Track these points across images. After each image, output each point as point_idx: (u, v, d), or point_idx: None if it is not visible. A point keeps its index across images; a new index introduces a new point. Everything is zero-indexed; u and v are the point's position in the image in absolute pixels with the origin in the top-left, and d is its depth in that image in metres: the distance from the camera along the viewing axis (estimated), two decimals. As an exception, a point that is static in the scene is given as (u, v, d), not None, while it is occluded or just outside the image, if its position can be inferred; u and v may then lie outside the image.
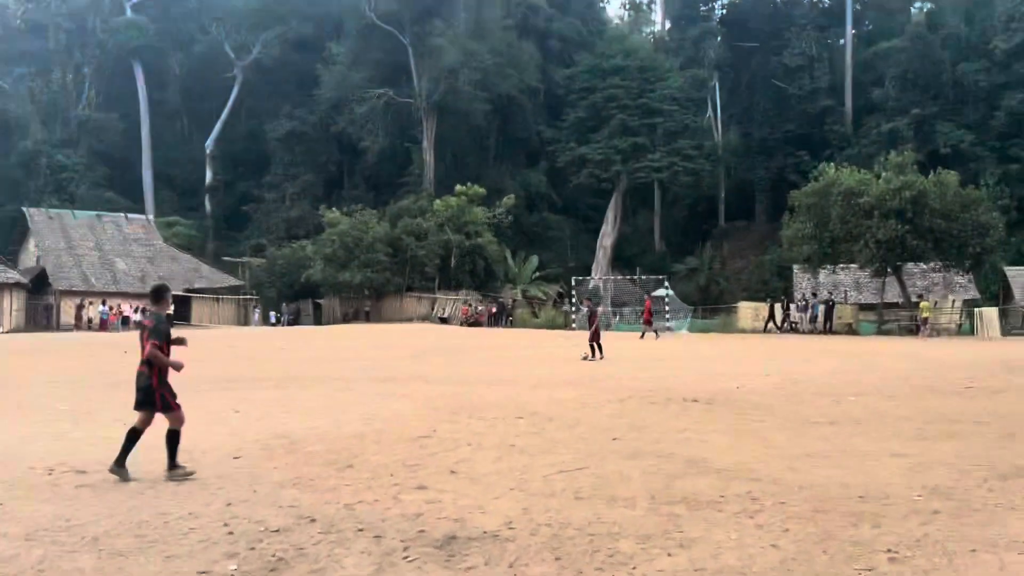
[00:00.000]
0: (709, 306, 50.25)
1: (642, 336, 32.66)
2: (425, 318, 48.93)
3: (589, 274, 55.60)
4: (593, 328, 22.29)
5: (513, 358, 23.09)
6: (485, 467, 7.98)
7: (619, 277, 55.60)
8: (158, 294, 7.95)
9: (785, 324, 39.65)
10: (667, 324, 40.88)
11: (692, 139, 59.60)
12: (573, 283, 45.15)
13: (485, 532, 5.76)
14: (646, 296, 40.87)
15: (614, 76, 58.51)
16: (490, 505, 6.49)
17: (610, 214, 60.05)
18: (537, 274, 56.45)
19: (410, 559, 5.20)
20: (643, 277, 51.45)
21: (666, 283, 44.54)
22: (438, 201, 52.36)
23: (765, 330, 39.00)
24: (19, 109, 65.17)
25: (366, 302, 51.55)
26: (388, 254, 49.92)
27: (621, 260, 61.77)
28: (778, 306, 40.45)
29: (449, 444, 9.26)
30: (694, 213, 68.60)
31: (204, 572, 5.01)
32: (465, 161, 64.38)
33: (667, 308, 41.89)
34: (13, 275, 43.76)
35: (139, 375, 7.46)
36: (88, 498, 6.78)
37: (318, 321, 53.48)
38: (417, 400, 13.17)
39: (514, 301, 51.79)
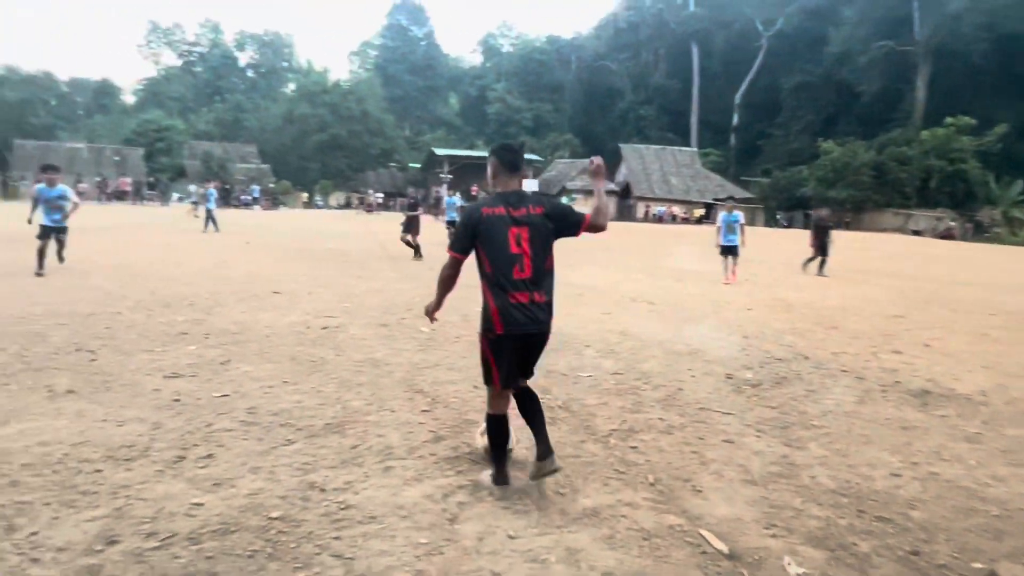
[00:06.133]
0: None
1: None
2: (898, 230, 40.77)
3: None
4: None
5: (986, 265, 17.99)
6: (958, 346, 6.55)
7: None
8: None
9: None
10: None
11: None
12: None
13: (958, 393, 4.81)
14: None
15: None
16: (963, 375, 5.35)
17: None
18: (1022, 198, 42.05)
19: (888, 398, 4.65)
20: None
21: None
22: (925, 132, 41.98)
23: None
24: (619, 82, 70.74)
25: (847, 213, 44.87)
26: (872, 176, 42.32)
27: None
28: None
29: (922, 324, 7.78)
30: None
31: (731, 375, 5.02)
32: (957, 97, 49.99)
33: None
34: (612, 185, 48.97)
35: None
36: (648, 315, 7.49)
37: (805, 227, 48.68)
38: (890, 289, 11.26)
39: (992, 220, 39.71)
